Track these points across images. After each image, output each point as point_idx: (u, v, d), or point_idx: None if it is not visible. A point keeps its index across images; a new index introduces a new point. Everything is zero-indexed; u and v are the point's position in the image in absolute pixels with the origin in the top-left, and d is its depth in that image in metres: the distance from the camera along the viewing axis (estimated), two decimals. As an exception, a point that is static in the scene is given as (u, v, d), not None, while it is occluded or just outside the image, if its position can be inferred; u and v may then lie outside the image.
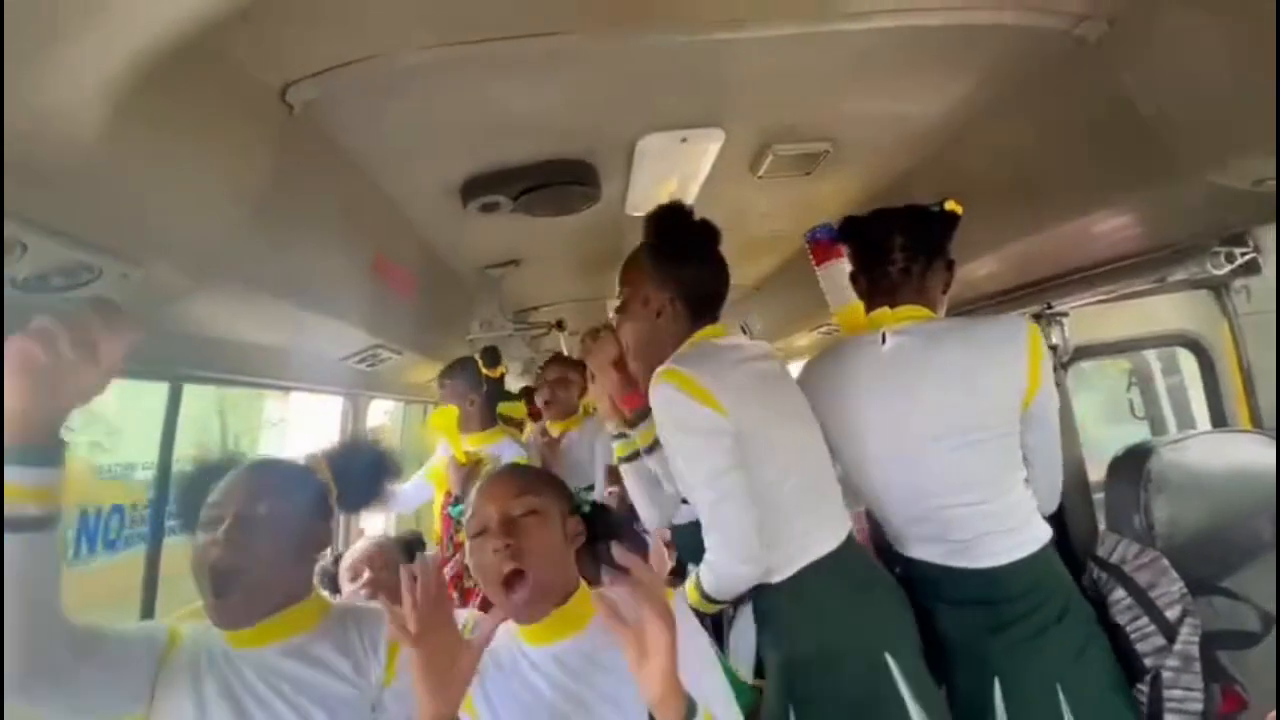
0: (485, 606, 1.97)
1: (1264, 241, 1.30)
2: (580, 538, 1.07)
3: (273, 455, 1.16)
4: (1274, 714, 1.04)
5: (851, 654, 1.11)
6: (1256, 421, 1.39)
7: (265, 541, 0.97)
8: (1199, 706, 1.04)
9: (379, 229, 1.57)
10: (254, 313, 1.27)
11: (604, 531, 1.13)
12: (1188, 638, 1.07)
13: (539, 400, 2.59)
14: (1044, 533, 1.18)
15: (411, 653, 0.84)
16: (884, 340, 1.26)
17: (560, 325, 2.81)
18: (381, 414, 3.09)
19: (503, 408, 3.19)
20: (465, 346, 2.84)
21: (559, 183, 1.58)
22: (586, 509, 1.11)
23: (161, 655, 0.97)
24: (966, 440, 1.16)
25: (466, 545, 1.03)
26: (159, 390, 1.31)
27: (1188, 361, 1.53)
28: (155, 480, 1.28)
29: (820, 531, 1.19)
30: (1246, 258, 1.30)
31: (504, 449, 2.21)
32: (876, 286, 1.34)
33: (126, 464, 1.34)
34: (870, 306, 1.35)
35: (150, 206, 0.82)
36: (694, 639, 1.02)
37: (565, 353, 3.16)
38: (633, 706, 0.92)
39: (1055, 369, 1.34)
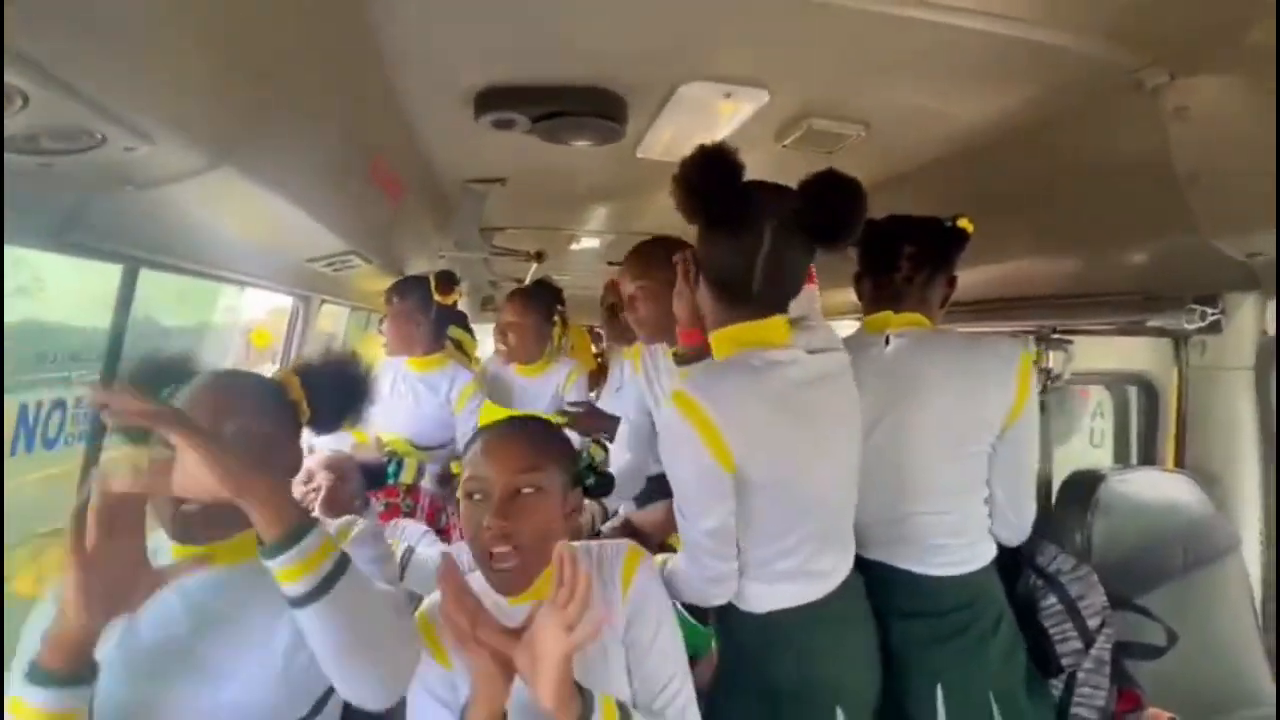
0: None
1: (1231, 306, 1.43)
2: (578, 512, 1.03)
3: (243, 370, 1.04)
4: (1155, 710, 1.22)
5: (802, 702, 1.08)
6: (1180, 462, 1.57)
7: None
8: (1101, 703, 1.20)
9: (380, 129, 1.40)
10: (238, 203, 1.11)
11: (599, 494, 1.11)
12: (1102, 645, 1.22)
13: (496, 341, 2.41)
14: (992, 549, 1.26)
15: None
16: (887, 342, 1.29)
17: (540, 256, 2.64)
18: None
19: (454, 332, 3.05)
20: (434, 263, 2.66)
21: (586, 113, 1.46)
22: (591, 481, 1.07)
23: None
24: (952, 451, 1.22)
25: (460, 488, 0.98)
26: (108, 274, 1.13)
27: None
28: (103, 374, 1.12)
29: (810, 580, 1.11)
30: (1212, 318, 1.42)
31: (455, 374, 2.12)
32: (880, 291, 1.35)
33: (71, 353, 1.17)
34: (871, 309, 1.36)
35: (165, 74, 0.68)
36: (653, 600, 1.01)
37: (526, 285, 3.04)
38: (583, 668, 0.89)
39: (1043, 390, 1.42)
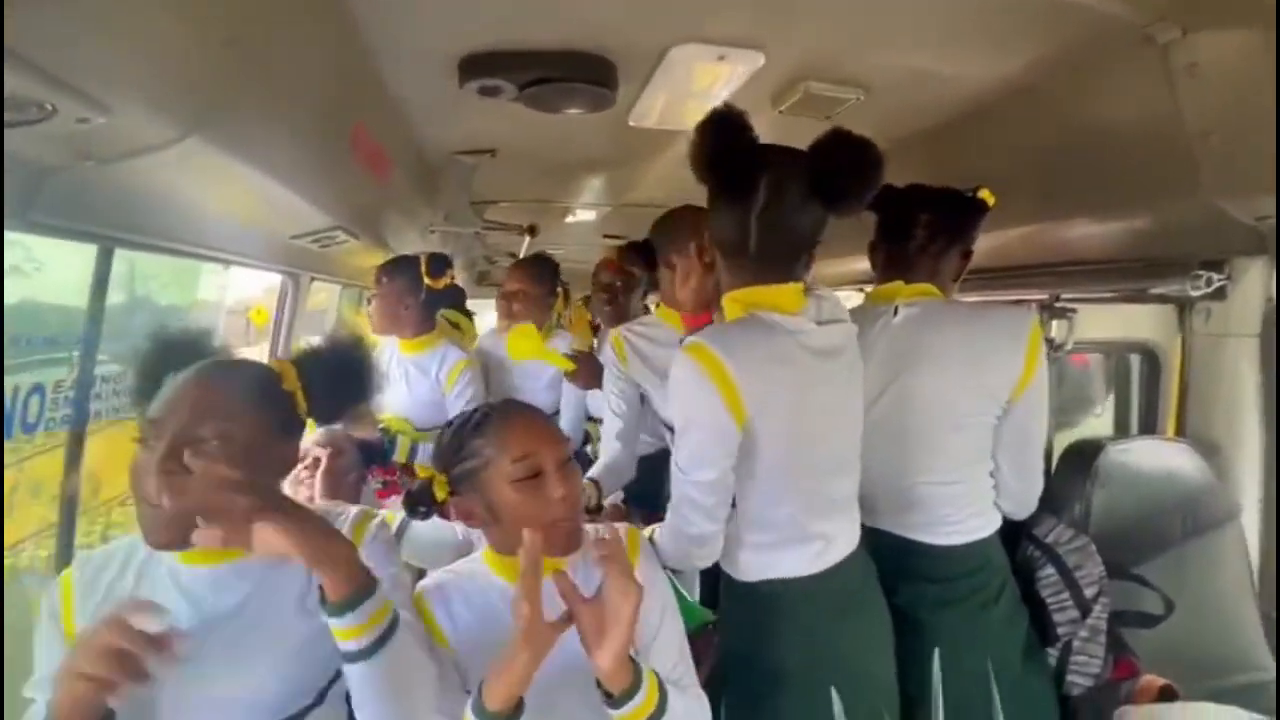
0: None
1: (1238, 271, 1.39)
2: None
3: (235, 359, 0.97)
4: (1149, 677, 1.23)
5: (797, 681, 1.07)
6: (1181, 431, 1.55)
7: (222, 465, 0.81)
8: (1096, 671, 1.21)
9: (360, 98, 1.35)
10: (213, 177, 1.07)
11: None
12: (1099, 614, 1.22)
13: (499, 313, 2.39)
14: (997, 519, 1.26)
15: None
16: (896, 312, 1.26)
17: (533, 230, 2.59)
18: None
19: (450, 314, 3.01)
20: (425, 237, 2.61)
21: (575, 79, 1.41)
22: None
23: None
24: (958, 422, 1.20)
25: (498, 477, 0.94)
26: (82, 255, 1.09)
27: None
28: (80, 357, 1.09)
29: (806, 548, 1.10)
30: (1218, 284, 1.39)
31: (445, 353, 2.07)
32: (893, 259, 1.33)
33: (48, 336, 1.14)
34: (884, 278, 1.34)
35: (124, 39, 0.64)
36: (657, 584, 1.03)
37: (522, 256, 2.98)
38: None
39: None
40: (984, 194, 1.31)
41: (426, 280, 2.03)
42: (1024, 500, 1.26)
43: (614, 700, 0.81)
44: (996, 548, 1.25)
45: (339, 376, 0.98)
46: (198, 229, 1.33)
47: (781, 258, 1.07)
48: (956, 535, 1.21)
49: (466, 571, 1.01)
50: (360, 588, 0.78)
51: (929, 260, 1.30)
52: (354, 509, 0.97)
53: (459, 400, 2.00)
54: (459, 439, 0.98)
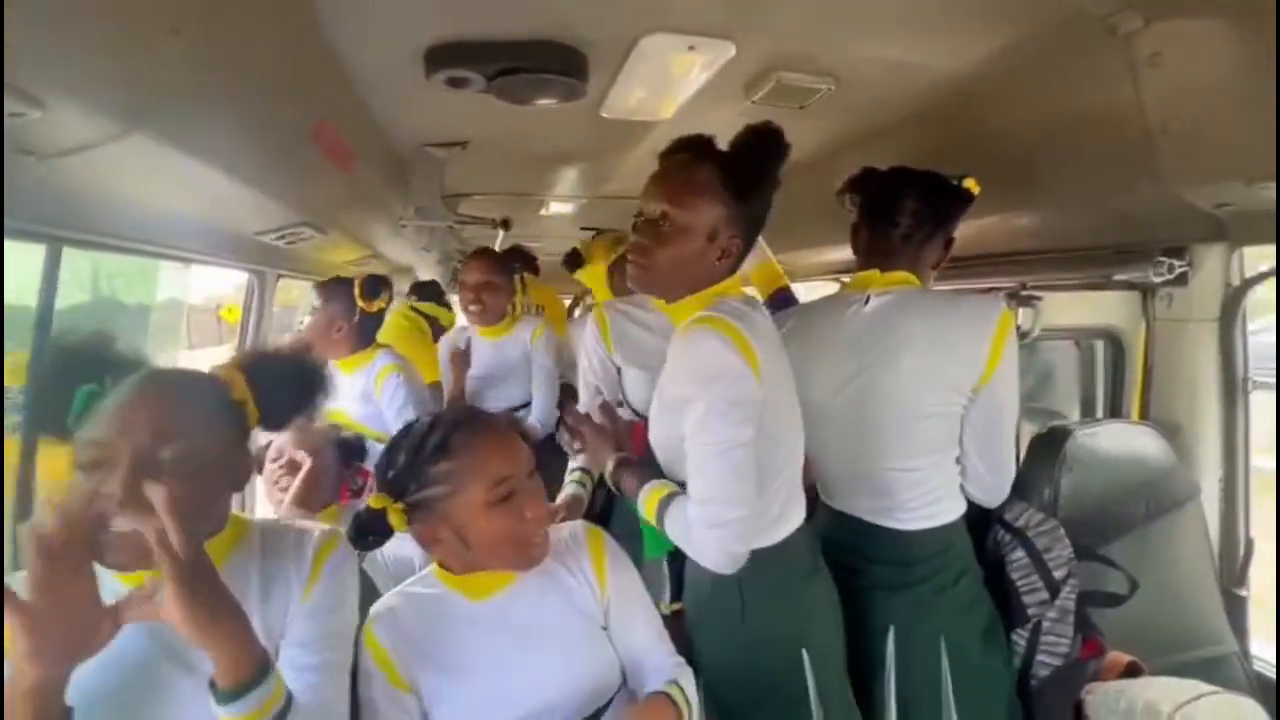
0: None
1: (1198, 258, 1.43)
2: None
3: (170, 368, 0.88)
4: (1116, 654, 1.26)
5: (777, 643, 1.09)
6: (1145, 414, 1.59)
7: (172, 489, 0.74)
8: (1065, 650, 1.24)
9: (321, 90, 1.31)
10: (166, 173, 1.03)
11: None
12: (1067, 595, 1.25)
13: (462, 306, 2.33)
14: (961, 505, 1.27)
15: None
16: (868, 301, 1.27)
17: (506, 224, 2.55)
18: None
19: (429, 308, 2.95)
20: (396, 232, 2.56)
21: (545, 69, 1.39)
22: None
23: None
24: (926, 411, 1.21)
25: (469, 504, 0.91)
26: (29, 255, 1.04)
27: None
28: (30, 364, 1.04)
29: (790, 515, 1.14)
30: (1179, 270, 1.42)
31: (372, 364, 1.99)
32: (874, 245, 1.32)
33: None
34: (863, 265, 1.33)
35: (58, 31, 0.61)
36: (630, 580, 1.04)
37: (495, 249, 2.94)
38: (567, 647, 0.96)
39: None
40: (970, 183, 1.31)
41: (360, 303, 1.98)
42: (995, 489, 1.27)
43: None
44: (960, 533, 1.27)
45: (289, 382, 0.92)
46: (154, 226, 1.28)
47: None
48: (917, 521, 1.23)
49: (419, 592, 0.98)
50: (253, 672, 0.72)
51: (912, 248, 1.30)
52: (319, 529, 0.92)
53: (392, 407, 1.93)
54: (415, 464, 0.92)
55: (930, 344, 1.20)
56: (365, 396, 1.97)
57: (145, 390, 0.78)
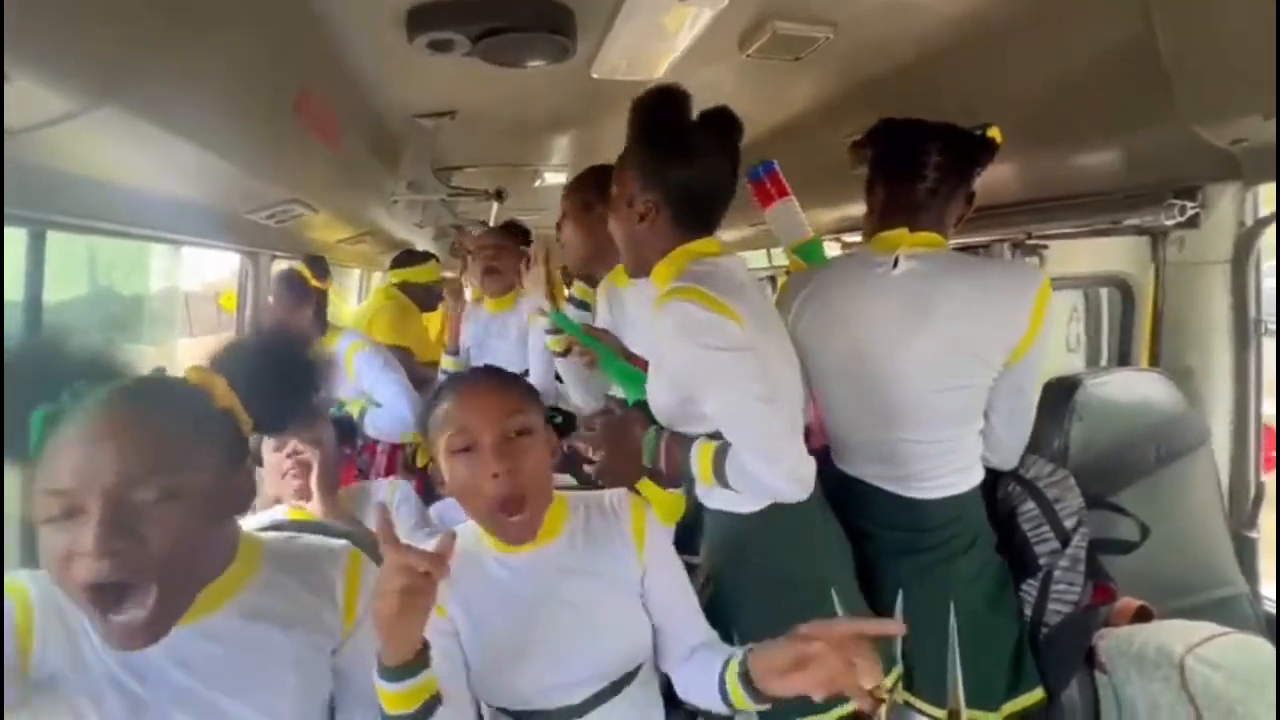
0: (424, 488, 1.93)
1: (1210, 198, 1.39)
2: (559, 451, 1.03)
3: (140, 377, 0.74)
4: (1127, 599, 1.27)
5: (803, 585, 1.12)
6: (1155, 360, 1.57)
7: (162, 531, 0.65)
8: (1075, 598, 1.24)
9: (302, 58, 1.26)
10: (143, 149, 1.00)
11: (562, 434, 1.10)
12: (1078, 544, 1.24)
13: (475, 275, 2.35)
14: (979, 475, 1.25)
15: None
16: (896, 264, 1.20)
17: (500, 195, 2.52)
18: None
19: (407, 273, 2.95)
20: (388, 207, 2.52)
21: (531, 28, 1.34)
22: (559, 420, 1.07)
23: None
24: (951, 384, 1.18)
25: (439, 447, 0.94)
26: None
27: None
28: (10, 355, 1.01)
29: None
30: (1192, 211, 1.38)
31: (339, 346, 2.04)
32: (897, 202, 1.24)
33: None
34: (883, 224, 1.25)
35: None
36: (669, 551, 1.06)
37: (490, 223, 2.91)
38: (593, 612, 0.97)
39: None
40: (992, 132, 1.24)
41: (315, 284, 2.06)
42: (1010, 452, 1.27)
43: None
44: (975, 502, 1.25)
45: (278, 374, 0.80)
46: (137, 207, 1.25)
47: (714, 215, 1.18)
48: (934, 490, 1.21)
49: (465, 528, 0.99)
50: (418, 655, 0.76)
51: (937, 203, 1.22)
52: (343, 550, 0.87)
53: (369, 375, 2.00)
54: (428, 407, 0.99)
55: (966, 314, 1.15)
56: (340, 378, 2.03)
57: (112, 415, 0.66)
